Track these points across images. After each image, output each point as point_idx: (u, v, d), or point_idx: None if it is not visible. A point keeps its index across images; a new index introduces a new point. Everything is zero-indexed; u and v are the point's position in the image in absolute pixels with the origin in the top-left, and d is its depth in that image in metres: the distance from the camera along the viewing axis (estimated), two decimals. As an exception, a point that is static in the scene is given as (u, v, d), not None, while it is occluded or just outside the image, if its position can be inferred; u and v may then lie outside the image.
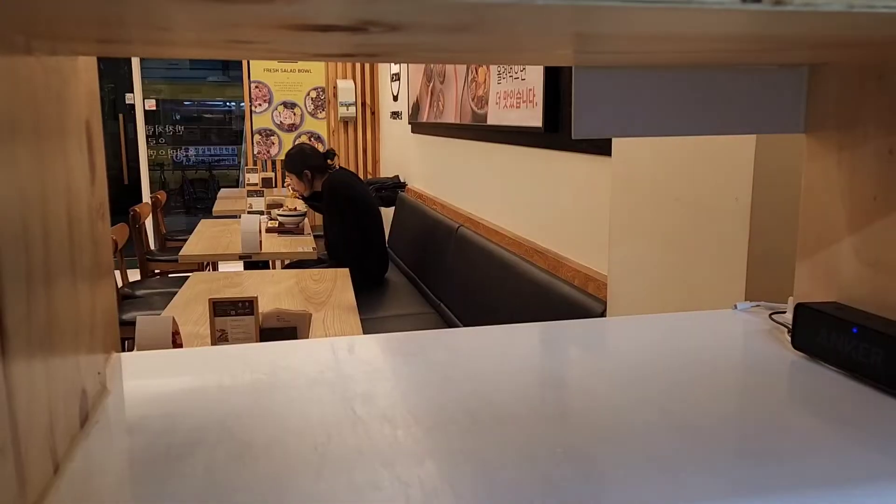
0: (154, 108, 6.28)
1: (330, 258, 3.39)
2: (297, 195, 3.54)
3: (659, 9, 0.30)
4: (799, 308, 0.65)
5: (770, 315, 0.77)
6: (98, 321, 0.56)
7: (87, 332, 0.52)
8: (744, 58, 0.59)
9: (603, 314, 1.73)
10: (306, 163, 3.39)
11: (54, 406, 0.43)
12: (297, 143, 5.00)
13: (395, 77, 4.88)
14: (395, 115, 4.91)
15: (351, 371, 0.62)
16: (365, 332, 1.92)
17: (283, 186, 5.64)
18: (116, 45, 0.46)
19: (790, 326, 0.69)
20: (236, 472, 0.44)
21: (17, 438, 0.36)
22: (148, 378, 0.61)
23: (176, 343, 1.38)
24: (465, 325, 2.72)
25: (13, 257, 0.37)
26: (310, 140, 5.60)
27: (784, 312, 0.77)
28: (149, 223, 4.89)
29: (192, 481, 0.43)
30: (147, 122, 6.08)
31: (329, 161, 3.44)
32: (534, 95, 2.28)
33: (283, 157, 5.62)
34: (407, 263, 3.83)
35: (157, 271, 4.11)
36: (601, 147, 1.92)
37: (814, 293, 0.69)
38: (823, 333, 0.62)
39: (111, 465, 0.45)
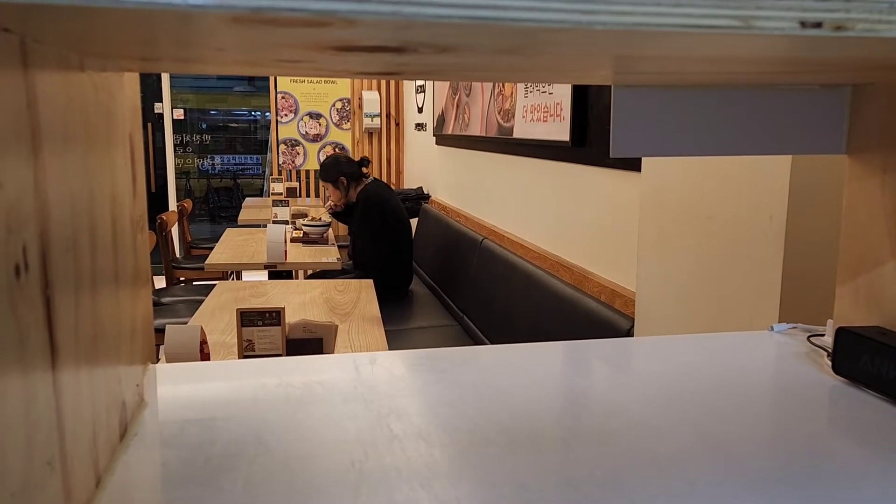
0: (182, 117, 6.37)
1: (355, 268, 3.40)
2: (330, 207, 3.57)
3: (715, 34, 0.30)
4: (840, 332, 0.64)
5: (808, 337, 0.76)
6: (138, 331, 0.57)
7: (128, 343, 0.53)
8: (786, 78, 0.58)
9: (630, 331, 1.71)
10: (341, 171, 3.42)
11: (98, 418, 0.44)
12: (331, 153, 5.03)
13: (421, 89, 4.90)
14: (420, 126, 4.93)
15: (384, 387, 0.62)
16: (389, 344, 1.92)
17: (315, 197, 5.68)
18: (165, 62, 0.47)
19: (829, 350, 0.68)
20: (276, 487, 0.44)
21: (65, 451, 0.37)
22: (183, 390, 0.62)
23: (204, 352, 1.39)
24: (489, 339, 2.72)
25: (63, 265, 0.38)
26: (334, 150, 5.64)
27: (822, 335, 0.76)
28: (175, 231, 4.95)
29: (231, 496, 0.43)
30: (174, 130, 6.16)
31: (364, 168, 3.47)
32: (561, 109, 2.28)
33: (307, 168, 5.67)
34: (430, 275, 3.83)
35: (182, 279, 4.15)
36: (630, 163, 1.91)
37: (855, 316, 0.68)
38: (866, 358, 0.61)
39: (151, 479, 0.45)
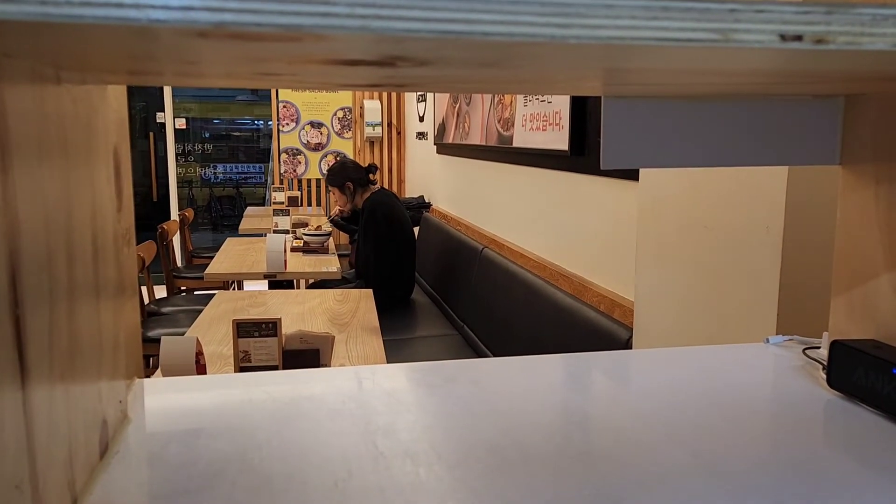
0: (184, 126, 6.38)
1: (357, 277, 3.39)
2: (336, 214, 3.57)
3: (695, 48, 0.29)
4: (835, 345, 0.63)
5: (804, 350, 0.75)
6: (121, 348, 0.56)
7: (110, 359, 0.52)
8: (778, 89, 0.58)
9: (629, 341, 1.70)
10: (349, 176, 3.42)
11: (74, 437, 0.43)
12: (334, 161, 5.03)
13: (422, 98, 4.91)
14: (421, 135, 4.93)
15: (373, 402, 0.62)
16: (388, 354, 1.91)
17: (316, 206, 5.68)
18: (146, 76, 0.46)
19: (825, 363, 0.67)
20: (255, 509, 0.43)
21: (35, 473, 0.36)
22: (169, 406, 0.61)
23: (199, 364, 1.39)
24: (489, 349, 2.70)
25: (35, 280, 0.37)
26: (336, 159, 5.65)
27: (818, 347, 0.75)
28: (176, 240, 4.95)
29: (210, 518, 0.42)
30: (177, 139, 6.17)
31: (371, 175, 3.47)
32: (560, 118, 2.28)
33: (308, 177, 5.67)
34: (430, 284, 3.83)
35: (182, 288, 4.14)
36: (629, 172, 1.91)
37: (850, 329, 0.67)
38: (861, 372, 0.60)
39: (130, 499, 0.45)
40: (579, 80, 0.48)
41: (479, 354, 2.79)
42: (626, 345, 1.70)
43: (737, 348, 0.77)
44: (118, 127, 0.58)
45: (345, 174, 3.43)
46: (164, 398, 0.63)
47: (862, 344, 0.62)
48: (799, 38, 0.28)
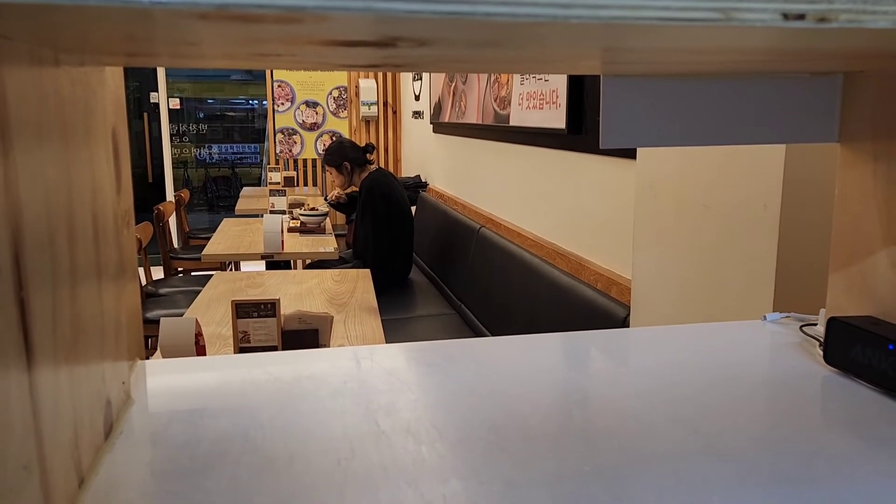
0: (178, 106, 6.34)
1: (355, 257, 3.40)
2: (334, 198, 3.56)
3: (696, 27, 0.29)
4: (832, 322, 0.63)
5: (801, 327, 0.75)
6: (123, 329, 0.56)
7: (112, 340, 0.53)
8: (777, 67, 0.58)
9: (626, 319, 1.71)
10: (346, 156, 3.41)
11: (80, 418, 0.43)
12: (334, 139, 5.01)
13: (417, 77, 4.88)
14: (417, 114, 4.91)
15: (374, 381, 0.62)
16: (386, 334, 1.92)
17: (313, 186, 5.66)
18: (144, 57, 0.46)
19: (822, 340, 0.67)
20: (259, 488, 0.44)
21: (43, 454, 0.36)
22: (171, 387, 0.61)
23: (199, 345, 1.39)
24: (486, 328, 2.72)
25: (38, 262, 0.37)
26: (332, 139, 5.62)
27: (815, 325, 0.76)
28: (172, 221, 4.94)
29: (215, 497, 0.43)
30: (171, 120, 6.14)
31: (368, 155, 3.46)
32: (557, 97, 2.27)
33: (304, 157, 5.65)
34: (428, 263, 3.83)
35: (180, 269, 4.14)
36: (626, 150, 1.90)
37: (847, 306, 0.68)
38: (858, 349, 0.61)
39: (136, 479, 0.45)
40: (579, 59, 0.48)
41: (477, 333, 2.81)
42: (624, 322, 1.71)
43: (734, 326, 0.78)
44: (116, 108, 0.58)
45: (342, 154, 3.42)
46: (166, 379, 0.63)
47: (859, 320, 0.62)
48: (801, 16, 0.28)
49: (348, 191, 3.52)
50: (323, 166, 4.91)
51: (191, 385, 0.61)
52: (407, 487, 0.44)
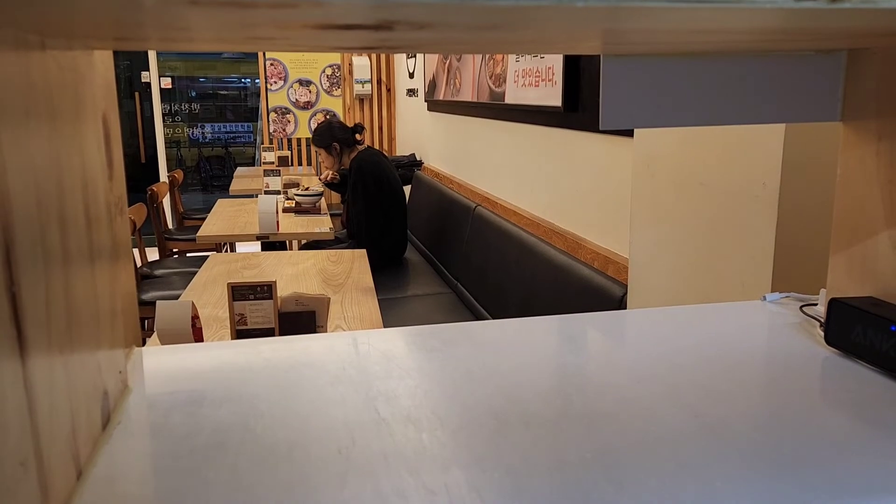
0: (170, 85, 6.27)
1: (349, 237, 3.38)
2: (326, 179, 3.53)
3: (706, 8, 0.28)
4: (833, 303, 0.63)
5: (801, 307, 0.75)
6: (118, 317, 0.56)
7: (108, 329, 0.52)
8: (780, 45, 0.57)
9: (623, 297, 1.71)
10: (335, 136, 3.39)
11: (76, 411, 0.43)
12: (322, 120, 4.97)
13: (411, 54, 4.83)
14: (412, 92, 4.87)
15: (373, 368, 0.62)
16: (382, 314, 1.91)
17: (307, 165, 5.63)
18: (133, 41, 0.45)
19: (822, 320, 0.67)
20: (260, 478, 0.43)
21: (40, 450, 0.36)
22: (169, 375, 0.61)
23: (195, 327, 1.38)
24: (482, 307, 2.72)
25: (29, 252, 0.36)
26: (325, 118, 5.58)
27: (815, 305, 0.75)
28: (166, 202, 4.91)
29: (216, 488, 0.42)
30: (163, 99, 6.08)
31: (357, 136, 3.43)
32: (553, 74, 2.25)
33: (298, 136, 5.61)
34: (423, 242, 3.82)
35: (175, 250, 4.13)
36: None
37: (848, 287, 0.67)
38: (859, 330, 0.60)
39: (135, 470, 0.45)
40: (580, 40, 0.47)
41: (473, 312, 2.81)
42: (620, 301, 1.71)
43: (734, 306, 0.77)
44: (106, 93, 0.57)
45: (331, 134, 3.40)
46: (163, 367, 0.62)
47: (860, 301, 0.62)
48: (814, -3, 0.27)
49: (336, 168, 3.50)
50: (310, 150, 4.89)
51: (189, 373, 0.61)
52: (408, 476, 0.44)
